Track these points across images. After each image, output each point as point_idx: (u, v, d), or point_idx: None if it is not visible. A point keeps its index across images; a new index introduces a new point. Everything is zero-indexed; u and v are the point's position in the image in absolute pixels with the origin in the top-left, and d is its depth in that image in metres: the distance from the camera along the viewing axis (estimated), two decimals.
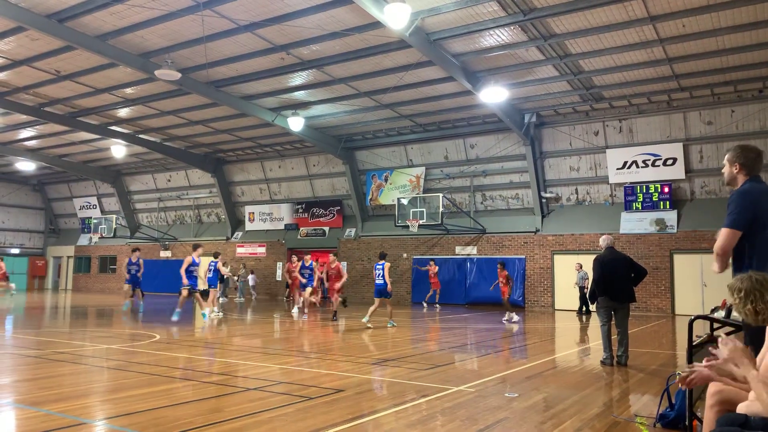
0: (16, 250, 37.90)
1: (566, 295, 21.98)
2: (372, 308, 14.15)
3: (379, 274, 14.13)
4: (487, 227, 23.90)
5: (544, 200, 22.99)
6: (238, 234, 31.44)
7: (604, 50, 16.21)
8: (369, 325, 13.88)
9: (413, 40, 15.00)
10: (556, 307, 22.18)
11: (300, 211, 29.18)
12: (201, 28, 15.51)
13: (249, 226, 30.97)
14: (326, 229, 28.28)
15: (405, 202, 22.65)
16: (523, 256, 22.69)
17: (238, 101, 21.03)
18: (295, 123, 21.81)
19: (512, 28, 15.07)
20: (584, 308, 20.12)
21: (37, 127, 25.98)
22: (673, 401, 5.07)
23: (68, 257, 38.65)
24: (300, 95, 20.78)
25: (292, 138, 25.68)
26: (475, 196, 24.58)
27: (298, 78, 19.25)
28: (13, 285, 26.76)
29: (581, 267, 20.13)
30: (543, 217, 23.04)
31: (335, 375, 7.36)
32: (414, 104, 21.12)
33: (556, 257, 22.44)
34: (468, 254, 24.19)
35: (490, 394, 6.40)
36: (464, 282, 23.94)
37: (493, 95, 18.08)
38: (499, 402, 5.99)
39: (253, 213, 30.82)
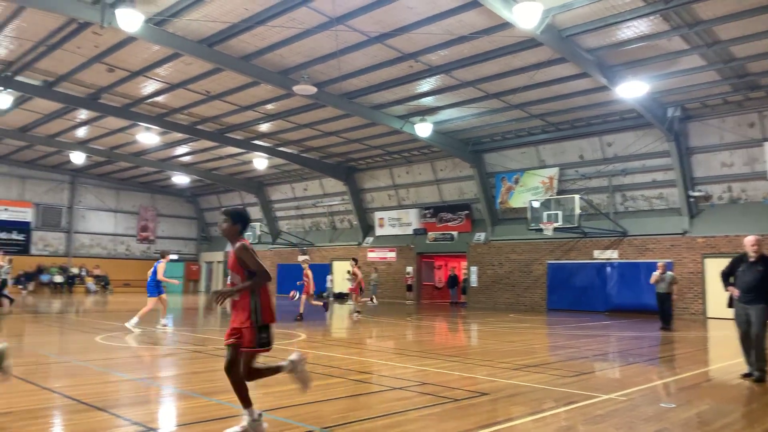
0: (174, 256, 41.89)
1: (720, 301, 20.16)
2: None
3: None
4: (629, 229, 22.58)
5: (692, 199, 21.29)
6: (369, 239, 32.35)
7: (759, 34, 14.72)
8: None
9: (544, 38, 14.62)
10: (708, 315, 20.43)
11: (428, 215, 29.41)
12: (334, 43, 16.22)
13: (379, 231, 31.74)
14: (455, 233, 28.24)
15: (537, 204, 22.04)
16: (670, 260, 21.12)
17: (368, 111, 21.71)
18: (423, 129, 22.06)
19: (653, 17, 14.18)
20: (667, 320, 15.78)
21: (191, 143, 28.52)
22: None
23: (218, 262, 41.96)
24: (428, 101, 21.01)
25: (420, 144, 26.00)
26: (615, 196, 23.32)
27: (426, 84, 19.49)
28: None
29: (665, 268, 16.02)
30: (691, 217, 21.34)
31: (477, 378, 7.36)
32: (545, 103, 20.53)
33: (708, 261, 20.65)
34: (608, 258, 22.99)
35: (642, 403, 6.08)
36: (604, 288, 22.77)
37: (632, 90, 17.09)
38: (654, 412, 5.68)
39: (383, 218, 31.55)
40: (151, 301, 13.36)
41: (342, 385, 6.88)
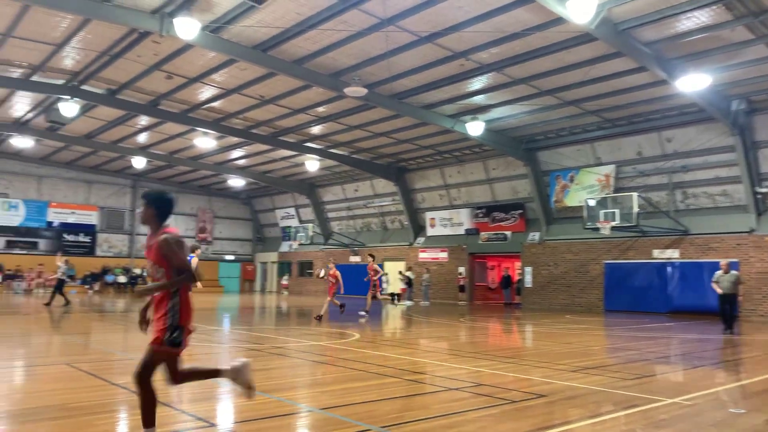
0: (231, 257, 43.03)
1: None
2: None
3: None
4: (691, 228, 21.74)
5: (759, 196, 20.33)
6: (420, 239, 32.29)
7: None
8: None
9: (599, 32, 14.25)
10: None
11: (480, 215, 29.12)
12: (385, 44, 16.28)
13: (430, 231, 31.66)
14: (508, 233, 27.87)
15: (593, 203, 21.51)
16: (736, 260, 20.21)
17: (418, 111, 21.69)
18: (474, 128, 21.87)
19: (714, 7, 13.60)
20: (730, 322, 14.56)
21: (245, 147, 29.20)
22: None
23: (272, 262, 42.84)
24: (479, 99, 20.81)
25: (471, 143, 25.78)
26: (675, 194, 22.50)
27: (478, 82, 19.31)
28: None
29: (729, 267, 14.72)
30: (759, 215, 20.36)
31: (533, 380, 7.25)
32: (601, 99, 19.99)
33: None
34: (668, 258, 22.20)
35: (709, 408, 5.85)
36: (664, 288, 21.99)
37: (693, 83, 16.45)
38: (722, 417, 5.46)
39: (434, 218, 31.44)
40: None
41: (397, 385, 6.90)
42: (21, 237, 34.59)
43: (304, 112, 22.98)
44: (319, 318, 15.83)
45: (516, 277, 29.05)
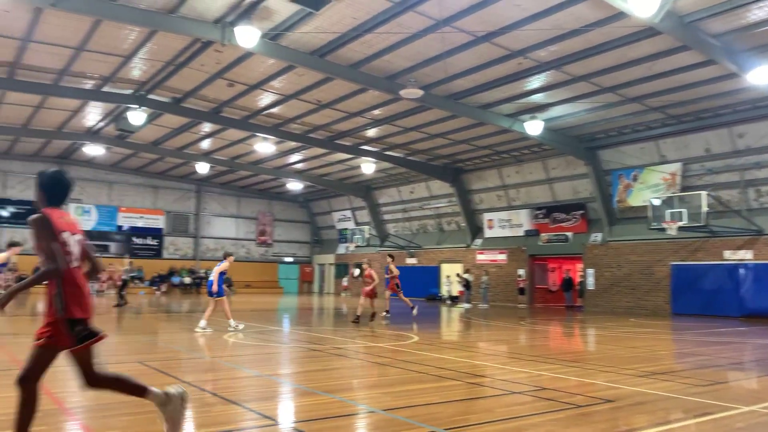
0: (290, 259, 43.87)
1: None
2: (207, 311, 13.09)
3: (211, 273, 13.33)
4: (765, 228, 20.65)
5: None
6: (478, 241, 31.98)
7: None
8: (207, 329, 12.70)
9: (664, 26, 13.75)
10: None
11: (540, 216, 28.59)
12: (441, 45, 16.24)
13: (488, 233, 31.30)
14: (569, 234, 27.24)
15: (659, 202, 20.77)
16: None
17: (475, 111, 21.51)
18: (533, 127, 21.49)
19: None
20: None
21: (303, 151, 29.73)
22: None
23: (330, 264, 43.41)
24: (538, 98, 20.45)
25: (530, 142, 25.37)
26: (748, 192, 21.43)
27: (536, 81, 18.99)
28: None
29: None
30: None
31: (598, 385, 7.06)
32: (665, 94, 19.28)
33: None
34: (740, 259, 21.16)
35: None
36: (737, 291, 20.97)
37: (766, 75, 15.65)
38: None
39: (492, 220, 31.08)
40: (224, 301, 13.44)
41: (457, 387, 6.87)
42: (93, 240, 36.28)
43: (360, 115, 23.19)
44: (373, 316, 16.07)
45: (578, 280, 28.37)
